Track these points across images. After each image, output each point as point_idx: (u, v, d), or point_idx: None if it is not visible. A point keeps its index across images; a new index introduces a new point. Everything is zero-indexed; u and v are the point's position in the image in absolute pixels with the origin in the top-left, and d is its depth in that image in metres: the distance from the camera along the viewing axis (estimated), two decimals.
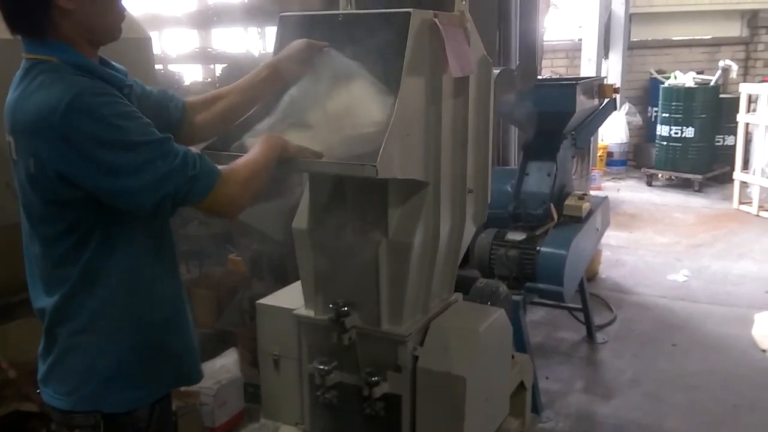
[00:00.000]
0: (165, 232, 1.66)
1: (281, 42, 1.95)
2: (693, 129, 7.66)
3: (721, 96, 7.78)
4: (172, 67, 5.85)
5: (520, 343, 3.17)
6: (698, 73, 8.10)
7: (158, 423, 1.64)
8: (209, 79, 6.12)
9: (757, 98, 6.73)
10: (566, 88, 3.50)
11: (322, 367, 2.08)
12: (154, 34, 5.63)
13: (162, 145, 1.44)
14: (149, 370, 1.61)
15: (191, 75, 6.59)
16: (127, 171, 1.40)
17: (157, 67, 5.03)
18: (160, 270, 1.63)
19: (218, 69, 6.09)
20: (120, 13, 1.55)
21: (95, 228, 1.49)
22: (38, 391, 1.63)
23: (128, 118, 1.42)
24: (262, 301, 2.34)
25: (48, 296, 1.54)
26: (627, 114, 8.59)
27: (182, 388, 2.82)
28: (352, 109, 1.77)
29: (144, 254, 1.58)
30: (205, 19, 5.39)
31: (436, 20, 1.85)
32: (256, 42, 5.93)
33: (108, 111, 1.39)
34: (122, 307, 1.55)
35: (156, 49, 5.50)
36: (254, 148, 1.65)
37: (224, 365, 3.19)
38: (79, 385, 1.55)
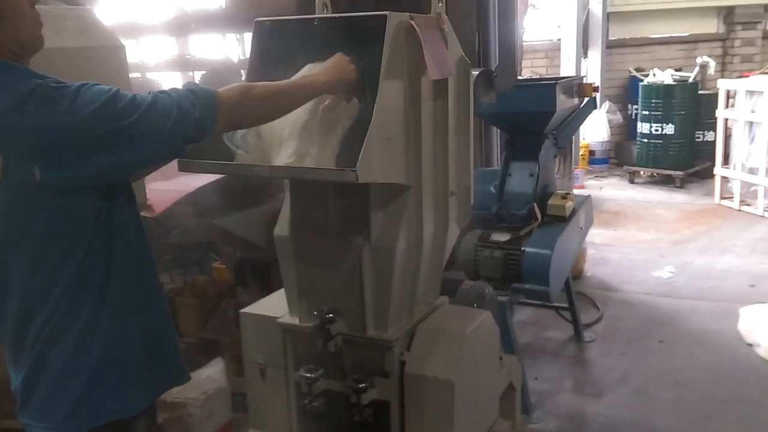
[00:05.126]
0: (144, 241, 1.67)
1: (257, 47, 1.93)
2: (673, 126, 7.71)
3: (700, 92, 7.85)
4: (150, 75, 5.81)
5: (508, 344, 3.16)
6: (676, 70, 8.15)
7: None
8: None
9: (735, 94, 6.79)
10: (546, 88, 3.50)
11: (308, 375, 2.06)
12: (131, 42, 5.60)
13: (150, 110, 1.42)
14: (149, 371, 1.62)
15: (170, 83, 6.55)
16: (132, 146, 1.41)
17: (135, 75, 4.99)
18: (148, 270, 1.67)
19: (197, 76, 6.07)
20: (35, 24, 1.50)
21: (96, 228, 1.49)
22: None
23: (98, 99, 1.39)
24: (246, 309, 2.31)
25: (33, 318, 1.50)
26: (607, 112, 8.64)
27: (168, 399, 2.80)
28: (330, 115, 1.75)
29: (132, 254, 1.59)
30: (182, 27, 5.36)
31: (412, 22, 1.83)
32: (235, 48, 5.91)
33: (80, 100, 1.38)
34: (117, 317, 1.55)
35: (134, 58, 5.46)
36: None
37: (210, 375, 3.15)
38: (80, 405, 1.51)
